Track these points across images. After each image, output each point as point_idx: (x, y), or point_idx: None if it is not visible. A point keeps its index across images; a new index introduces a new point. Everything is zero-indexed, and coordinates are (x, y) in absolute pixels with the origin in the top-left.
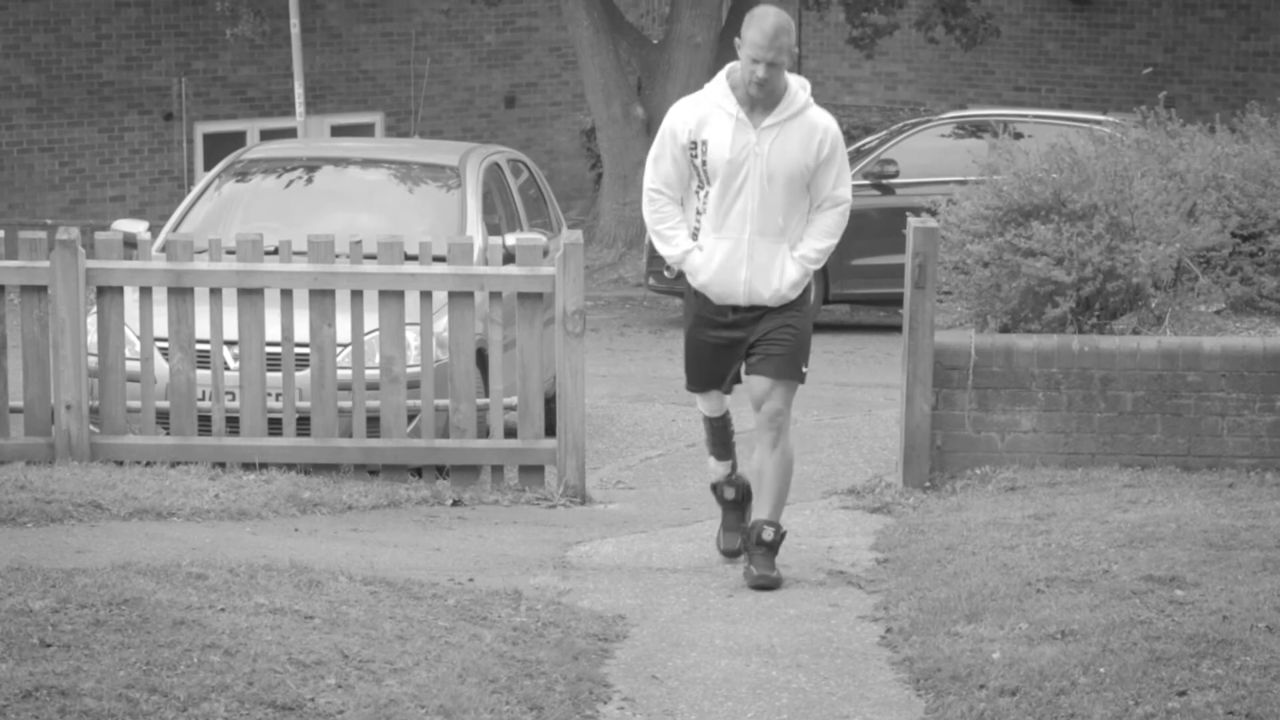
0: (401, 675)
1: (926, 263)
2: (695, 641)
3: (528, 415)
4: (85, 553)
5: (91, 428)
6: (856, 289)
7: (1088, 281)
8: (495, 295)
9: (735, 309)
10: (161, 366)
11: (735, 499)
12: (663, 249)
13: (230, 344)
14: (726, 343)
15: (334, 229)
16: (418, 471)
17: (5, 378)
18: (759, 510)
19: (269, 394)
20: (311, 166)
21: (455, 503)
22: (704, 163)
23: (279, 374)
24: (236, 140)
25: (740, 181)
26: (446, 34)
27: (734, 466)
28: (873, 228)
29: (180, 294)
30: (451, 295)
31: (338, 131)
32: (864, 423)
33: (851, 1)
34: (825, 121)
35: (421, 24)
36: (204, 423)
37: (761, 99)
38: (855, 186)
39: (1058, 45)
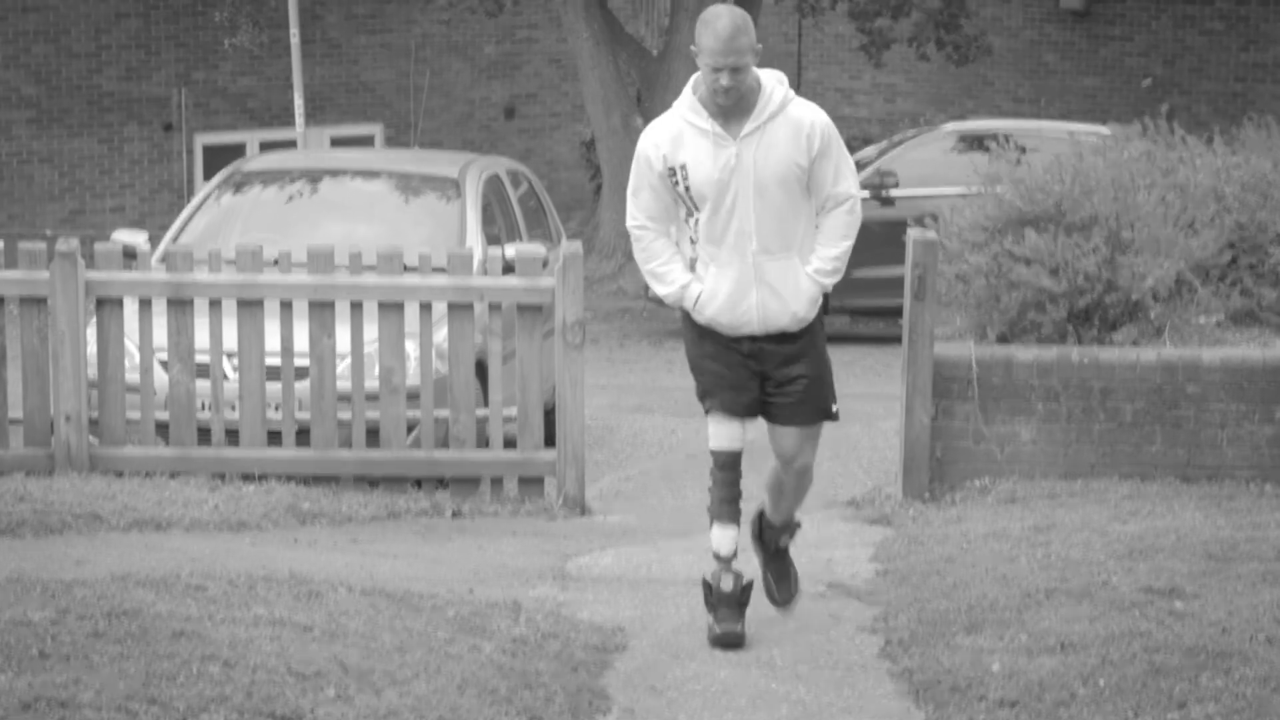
0: (401, 687)
1: (926, 274)
2: (694, 653)
3: (527, 426)
4: (84, 564)
5: (91, 439)
6: (856, 300)
7: (1083, 293)
8: (495, 306)
9: (752, 339)
10: (161, 377)
11: (733, 590)
12: (659, 289)
13: (230, 355)
14: (745, 355)
15: (334, 240)
16: (417, 483)
17: (5, 389)
18: (776, 514)
19: (268, 405)
20: (311, 178)
21: (455, 514)
22: (687, 189)
23: (278, 385)
24: (236, 151)
25: (731, 200)
26: (446, 45)
27: (735, 543)
28: (872, 239)
29: (180, 305)
30: (451, 306)
31: (337, 143)
32: (863, 434)
33: (859, 11)
34: (810, 114)
35: (421, 35)
36: (203, 434)
37: (732, 106)
38: None
39: (1057, 57)
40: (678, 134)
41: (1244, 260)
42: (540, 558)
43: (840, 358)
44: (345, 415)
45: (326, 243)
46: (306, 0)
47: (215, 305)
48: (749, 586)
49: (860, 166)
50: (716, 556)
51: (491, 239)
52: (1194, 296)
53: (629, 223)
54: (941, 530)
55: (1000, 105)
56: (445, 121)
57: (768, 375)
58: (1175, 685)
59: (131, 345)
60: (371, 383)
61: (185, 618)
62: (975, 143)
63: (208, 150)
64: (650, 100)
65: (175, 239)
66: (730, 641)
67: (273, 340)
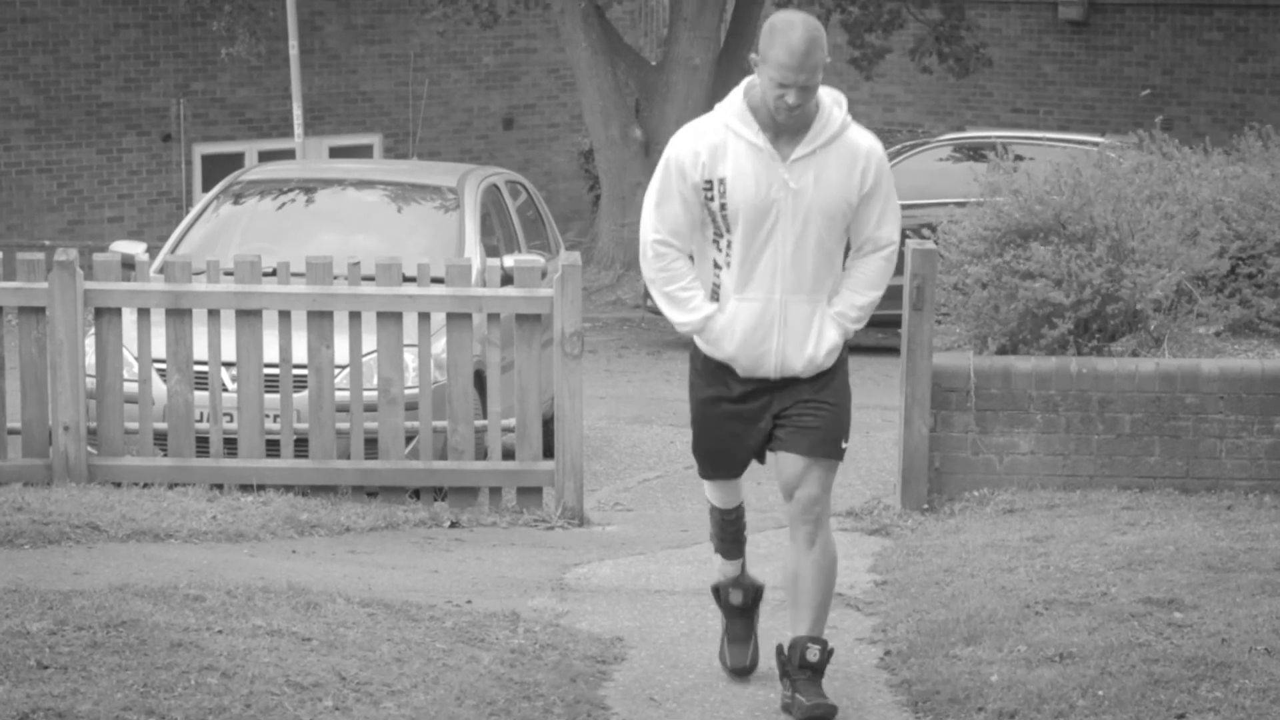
0: (399, 697)
1: (925, 285)
2: (693, 664)
3: (525, 437)
4: (83, 574)
5: (89, 449)
6: None
7: (1086, 304)
8: (493, 317)
9: (764, 380)
10: (159, 388)
11: (743, 604)
12: (676, 316)
13: (228, 365)
14: (749, 415)
15: (332, 250)
16: (415, 493)
17: (3, 399)
18: (798, 625)
19: (267, 415)
20: (310, 188)
21: (453, 524)
22: (723, 206)
23: (277, 395)
24: (235, 161)
25: (769, 228)
26: (445, 55)
27: (743, 566)
28: None
29: (178, 315)
30: (449, 317)
31: (336, 153)
32: (862, 444)
33: (852, 23)
34: (868, 144)
35: (420, 45)
36: (202, 444)
37: (789, 124)
38: None
39: (1056, 67)
40: (720, 143)
41: (1243, 270)
42: (539, 568)
43: None
44: (344, 425)
45: (325, 253)
46: (305, 11)
47: (214, 315)
48: (760, 592)
49: None
50: (721, 581)
51: (490, 249)
52: (1193, 307)
53: (650, 236)
54: (940, 541)
55: (999, 116)
56: (443, 131)
57: (781, 408)
58: (1174, 696)
59: (130, 355)
60: (370, 393)
61: (183, 628)
62: (973, 153)
63: (206, 160)
64: (649, 110)
65: (174, 249)
66: (741, 675)
67: (271, 350)
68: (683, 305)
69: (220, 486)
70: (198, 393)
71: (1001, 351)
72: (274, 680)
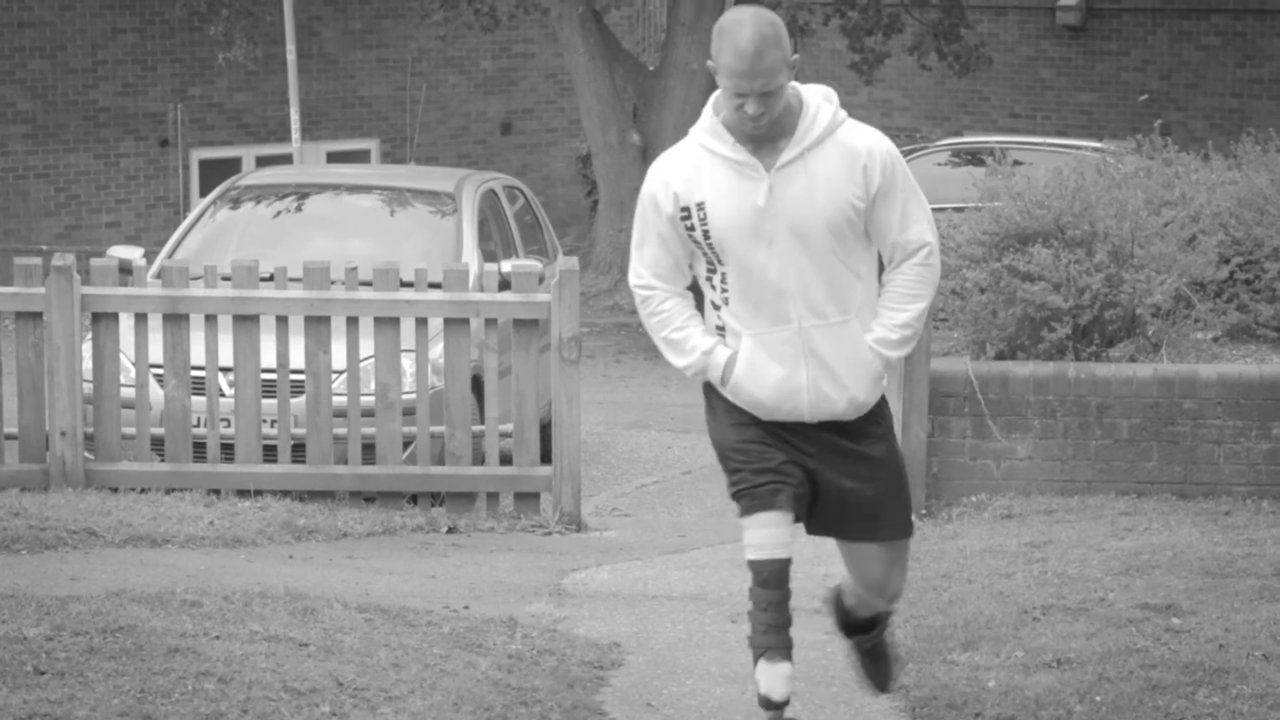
0: (396, 703)
1: None
2: (691, 669)
3: (523, 442)
4: (79, 580)
5: (86, 454)
6: None
7: (1085, 309)
8: (491, 322)
9: (798, 426)
10: (156, 393)
11: None
12: (677, 361)
13: (225, 370)
14: (789, 440)
15: (329, 255)
16: (413, 498)
17: (0, 404)
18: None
19: (264, 420)
20: (307, 193)
21: (450, 530)
22: (706, 234)
23: (274, 400)
24: (232, 166)
25: (765, 248)
26: (442, 60)
27: (789, 681)
28: None
29: (175, 320)
30: (447, 322)
31: (333, 158)
32: None
33: (851, 28)
34: (867, 140)
35: (418, 50)
36: (199, 449)
37: (766, 133)
38: None
39: (1053, 72)
40: (695, 165)
41: (1240, 276)
42: (536, 574)
43: None
44: (341, 431)
45: (322, 258)
46: (302, 15)
47: (211, 321)
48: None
49: None
50: (765, 704)
51: (487, 254)
52: (1191, 312)
53: (633, 281)
54: (938, 546)
55: (996, 120)
56: (441, 136)
57: (823, 474)
58: (1172, 702)
59: (127, 360)
60: (367, 398)
61: (180, 634)
62: (971, 158)
63: (204, 165)
64: (646, 115)
65: (171, 254)
66: None
67: (268, 355)
68: (679, 347)
69: (217, 492)
70: (195, 398)
71: (1000, 357)
72: (271, 686)
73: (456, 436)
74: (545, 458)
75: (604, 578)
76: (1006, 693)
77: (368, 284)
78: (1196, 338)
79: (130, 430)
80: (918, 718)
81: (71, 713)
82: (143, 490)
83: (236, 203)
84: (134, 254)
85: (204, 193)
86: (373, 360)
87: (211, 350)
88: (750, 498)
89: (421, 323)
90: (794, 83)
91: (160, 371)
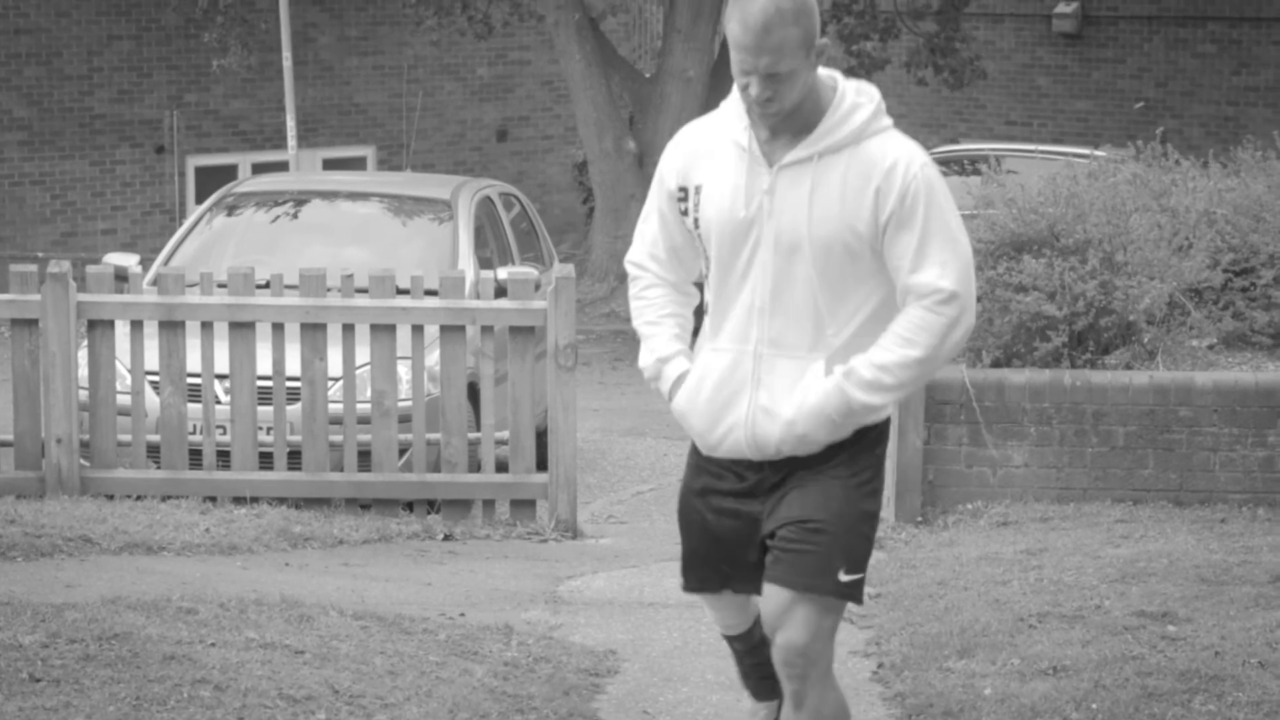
0: (392, 710)
1: None
2: (687, 676)
3: (519, 449)
4: (75, 587)
5: (82, 461)
6: None
7: (1080, 316)
8: (487, 329)
9: (747, 465)
10: (152, 400)
11: None
12: (639, 357)
13: (221, 377)
14: (735, 516)
15: (325, 263)
16: (409, 506)
17: None
18: None
19: (260, 428)
20: (303, 200)
21: (446, 537)
22: (696, 222)
23: (270, 408)
24: (228, 173)
25: (748, 255)
26: (438, 67)
27: (780, 708)
28: None
29: (171, 327)
30: (443, 329)
31: (330, 165)
32: None
33: (848, 33)
34: (894, 157)
35: (414, 57)
36: (195, 456)
37: (787, 122)
38: None
39: (1049, 80)
40: (706, 141)
41: (1236, 283)
42: (532, 581)
43: None
44: (337, 438)
45: (318, 265)
46: (298, 23)
47: (207, 328)
48: None
49: None
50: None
51: (484, 262)
52: (1187, 320)
53: (628, 256)
54: (934, 554)
55: (992, 128)
56: (437, 144)
57: (775, 515)
58: (1168, 710)
59: (123, 368)
60: (363, 405)
61: (176, 641)
62: (967, 165)
63: (200, 172)
64: (642, 123)
65: (167, 261)
66: None
67: (264, 363)
68: (645, 343)
69: (213, 499)
70: (191, 405)
71: (995, 364)
72: (267, 693)
73: (452, 443)
74: (541, 465)
75: (600, 585)
76: (1002, 700)
77: (364, 291)
78: (1192, 345)
79: (126, 437)
80: None
81: None
82: (138, 497)
83: (232, 210)
84: (130, 261)
85: (200, 200)
86: (369, 367)
87: (207, 357)
88: (690, 581)
89: (418, 330)
90: (835, 74)
91: (156, 378)
